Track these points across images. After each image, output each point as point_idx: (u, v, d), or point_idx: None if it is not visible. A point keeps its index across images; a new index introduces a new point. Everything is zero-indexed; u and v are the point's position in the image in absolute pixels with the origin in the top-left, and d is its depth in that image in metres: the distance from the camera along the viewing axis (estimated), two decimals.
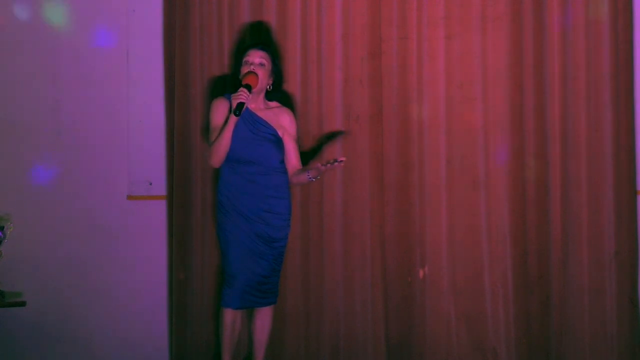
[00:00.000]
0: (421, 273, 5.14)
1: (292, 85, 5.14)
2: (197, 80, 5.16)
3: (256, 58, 4.72)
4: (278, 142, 4.77)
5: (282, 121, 4.81)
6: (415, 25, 5.13)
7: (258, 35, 5.13)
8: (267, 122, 4.75)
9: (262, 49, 4.77)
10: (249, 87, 4.58)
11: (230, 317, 4.70)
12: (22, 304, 5.03)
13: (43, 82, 5.24)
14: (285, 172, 4.80)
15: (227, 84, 5.03)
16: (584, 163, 5.08)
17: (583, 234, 5.07)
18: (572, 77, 5.09)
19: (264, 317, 4.82)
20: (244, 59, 4.73)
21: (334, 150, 5.12)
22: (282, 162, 4.79)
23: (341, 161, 4.54)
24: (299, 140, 4.93)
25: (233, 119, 4.57)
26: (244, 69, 4.70)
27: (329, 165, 4.56)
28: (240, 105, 4.52)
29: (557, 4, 5.08)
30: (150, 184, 5.26)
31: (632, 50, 5.11)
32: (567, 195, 5.09)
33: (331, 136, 5.12)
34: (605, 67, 5.07)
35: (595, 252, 5.07)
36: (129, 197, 5.26)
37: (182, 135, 5.16)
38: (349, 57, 5.15)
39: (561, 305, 5.07)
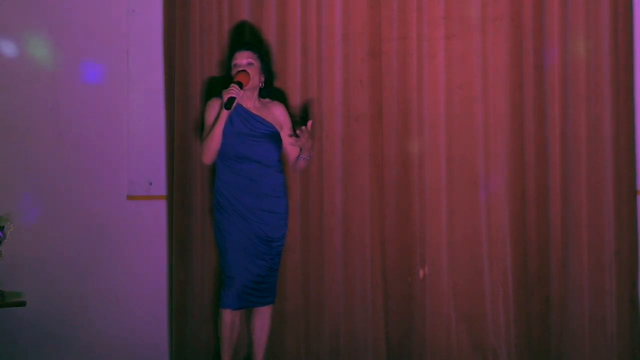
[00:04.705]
0: (421, 273, 5.14)
1: (292, 85, 5.15)
2: (197, 80, 5.16)
3: (243, 59, 4.73)
4: (276, 139, 4.77)
5: (277, 115, 4.83)
6: (415, 25, 5.14)
7: (244, 36, 5.13)
8: (263, 119, 4.76)
9: (248, 49, 4.78)
10: (240, 84, 4.60)
11: (229, 317, 4.70)
12: (22, 304, 5.03)
13: (43, 82, 5.25)
14: (282, 171, 4.81)
15: (224, 85, 5.04)
16: (584, 163, 5.07)
17: (583, 234, 5.07)
18: (572, 77, 5.09)
19: (263, 317, 4.82)
20: (233, 63, 4.75)
21: (333, 150, 5.13)
22: (280, 160, 4.81)
23: (308, 125, 4.70)
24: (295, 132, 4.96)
25: (224, 114, 4.59)
26: (234, 72, 4.72)
27: (300, 132, 4.66)
28: (231, 99, 4.55)
29: (557, 4, 5.08)
30: (150, 184, 5.26)
31: (632, 50, 5.11)
32: (567, 195, 5.09)
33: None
34: (605, 67, 5.07)
35: (595, 252, 5.07)
36: (129, 197, 5.26)
37: (182, 135, 5.16)
38: (349, 57, 5.15)
39: (561, 305, 5.07)
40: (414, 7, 5.13)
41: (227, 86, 4.61)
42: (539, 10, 5.10)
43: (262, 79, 4.80)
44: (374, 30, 5.15)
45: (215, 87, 5.06)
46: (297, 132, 4.67)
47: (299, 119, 5.06)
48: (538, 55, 5.09)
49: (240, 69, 4.70)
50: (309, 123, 4.72)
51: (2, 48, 5.22)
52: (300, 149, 4.75)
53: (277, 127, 4.80)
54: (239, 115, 4.72)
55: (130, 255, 5.26)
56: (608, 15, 5.06)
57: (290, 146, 4.81)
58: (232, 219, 4.70)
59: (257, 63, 4.76)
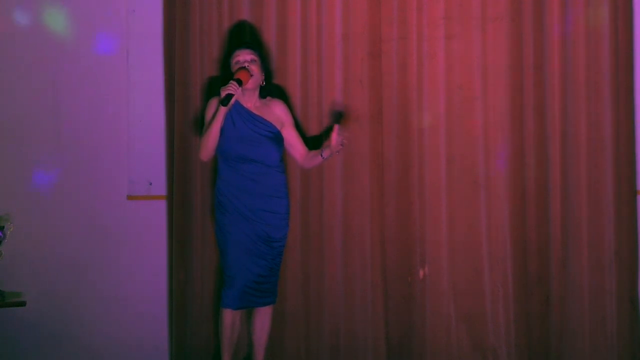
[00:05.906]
0: (421, 273, 5.14)
1: (292, 85, 5.15)
2: (197, 80, 5.16)
3: (247, 56, 4.73)
4: (278, 140, 4.78)
5: (278, 113, 4.82)
6: (415, 25, 5.14)
7: (243, 36, 5.13)
8: (265, 120, 4.76)
9: (249, 47, 4.79)
10: (239, 82, 4.60)
11: (230, 317, 4.70)
12: (22, 304, 5.03)
13: (43, 83, 5.25)
14: (284, 171, 4.81)
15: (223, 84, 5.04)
16: (584, 163, 5.07)
17: (583, 233, 5.07)
18: (572, 77, 5.09)
19: (263, 317, 4.82)
20: (234, 60, 4.75)
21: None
22: (282, 160, 4.81)
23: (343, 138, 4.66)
24: (299, 127, 4.96)
25: (222, 111, 4.59)
26: (234, 68, 4.72)
27: (340, 145, 4.65)
28: (229, 96, 4.54)
29: (557, 5, 5.08)
30: (150, 184, 5.26)
31: (632, 50, 5.11)
32: (567, 195, 5.09)
33: (336, 118, 5.13)
34: (605, 67, 5.07)
35: (595, 252, 5.07)
36: (129, 197, 5.26)
37: (182, 136, 5.16)
38: (349, 57, 5.15)
39: (561, 305, 5.07)
40: (414, 7, 5.13)
41: (225, 84, 4.61)
42: (539, 10, 5.10)
43: (263, 78, 4.80)
44: (374, 30, 5.15)
45: (216, 86, 5.06)
46: (335, 146, 4.66)
47: (330, 123, 5.07)
48: (538, 55, 5.09)
49: (243, 65, 4.70)
50: (335, 129, 4.67)
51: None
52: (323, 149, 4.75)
53: (279, 126, 4.79)
54: (240, 116, 4.72)
55: (130, 255, 5.26)
56: (608, 15, 5.06)
57: (295, 143, 4.81)
58: (234, 219, 4.70)
59: (258, 61, 4.77)
